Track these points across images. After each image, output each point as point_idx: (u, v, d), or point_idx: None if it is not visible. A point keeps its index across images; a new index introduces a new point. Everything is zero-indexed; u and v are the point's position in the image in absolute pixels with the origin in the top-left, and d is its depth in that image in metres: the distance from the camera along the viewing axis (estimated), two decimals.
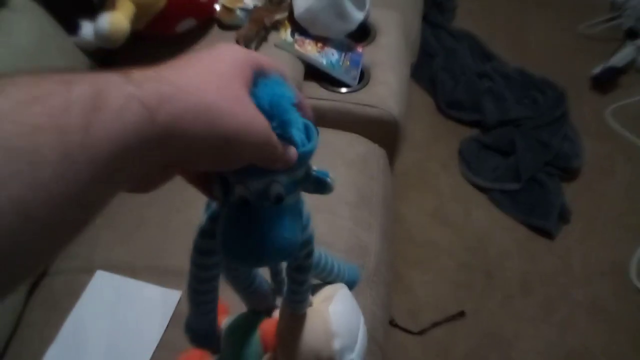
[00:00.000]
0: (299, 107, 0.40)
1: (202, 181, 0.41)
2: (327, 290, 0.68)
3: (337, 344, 0.62)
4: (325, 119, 1.19)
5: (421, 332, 1.50)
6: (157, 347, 0.85)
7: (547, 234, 1.71)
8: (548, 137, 1.83)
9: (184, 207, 0.99)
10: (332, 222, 1.01)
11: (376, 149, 1.19)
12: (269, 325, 0.73)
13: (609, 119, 2.05)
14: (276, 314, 0.74)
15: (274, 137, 0.36)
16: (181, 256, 0.54)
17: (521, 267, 1.65)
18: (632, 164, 1.93)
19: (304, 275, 0.56)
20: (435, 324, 1.51)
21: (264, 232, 0.42)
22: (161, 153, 0.29)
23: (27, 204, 0.23)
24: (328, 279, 0.70)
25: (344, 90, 1.23)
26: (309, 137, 0.42)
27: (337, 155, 1.13)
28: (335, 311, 0.64)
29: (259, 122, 0.35)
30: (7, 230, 0.22)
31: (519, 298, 1.58)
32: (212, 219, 0.47)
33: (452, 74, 2.05)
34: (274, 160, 0.38)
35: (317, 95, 1.22)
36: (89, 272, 0.93)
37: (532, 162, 1.79)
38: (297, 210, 0.45)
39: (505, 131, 1.87)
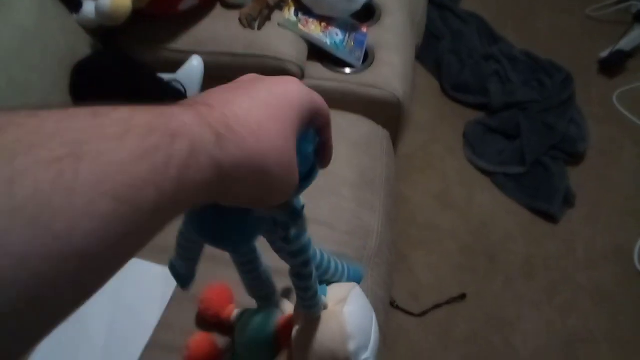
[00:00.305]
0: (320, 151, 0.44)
1: None
2: (340, 291, 0.68)
3: (352, 346, 0.63)
4: (329, 99, 1.17)
5: (422, 314, 1.50)
6: (157, 325, 0.85)
7: (551, 218, 1.70)
8: (554, 120, 1.81)
9: None
10: (335, 203, 1.01)
11: (380, 131, 1.18)
12: (284, 322, 0.73)
13: (616, 102, 2.03)
14: (290, 309, 0.74)
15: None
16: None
17: (524, 250, 1.65)
18: (638, 148, 1.91)
19: (304, 282, 0.57)
20: (436, 306, 1.52)
21: (223, 223, 0.46)
22: (213, 197, 0.31)
23: (117, 242, 0.24)
24: (332, 280, 0.70)
25: (348, 70, 1.22)
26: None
27: (340, 136, 1.12)
28: (350, 313, 0.65)
29: (295, 178, 0.36)
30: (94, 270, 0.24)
31: (522, 281, 1.58)
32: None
33: (459, 56, 2.03)
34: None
35: (320, 75, 1.21)
36: None
37: (538, 146, 1.77)
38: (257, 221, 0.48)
39: (511, 114, 1.85)
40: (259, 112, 0.34)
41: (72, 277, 0.23)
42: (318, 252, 0.63)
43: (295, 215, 0.47)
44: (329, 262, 0.67)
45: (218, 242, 0.48)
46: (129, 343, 0.83)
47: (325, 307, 0.66)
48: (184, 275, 0.62)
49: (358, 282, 0.73)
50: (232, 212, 0.45)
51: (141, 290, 0.89)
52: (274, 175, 0.33)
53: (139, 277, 0.91)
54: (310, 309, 0.63)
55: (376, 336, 0.68)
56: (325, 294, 0.67)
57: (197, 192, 0.29)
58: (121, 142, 0.24)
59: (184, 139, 0.27)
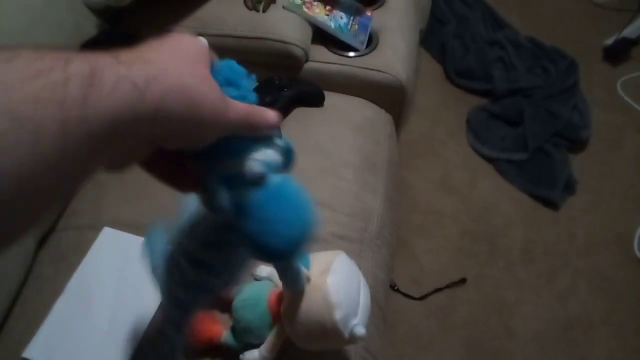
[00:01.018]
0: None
1: (174, 177, 0.44)
2: (324, 260, 0.68)
3: (338, 315, 0.64)
4: (332, 83, 1.19)
5: (422, 298, 1.52)
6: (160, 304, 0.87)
7: (552, 205, 1.71)
8: (557, 107, 1.81)
9: None
10: (337, 185, 1.02)
11: (383, 114, 1.19)
12: (275, 295, 0.75)
13: (620, 90, 2.02)
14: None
15: (236, 105, 0.39)
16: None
17: (525, 236, 1.66)
18: None
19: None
20: (437, 290, 1.53)
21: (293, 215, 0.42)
22: (148, 129, 0.32)
23: (26, 172, 0.24)
24: None
25: (351, 54, 1.22)
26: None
27: (344, 119, 1.13)
28: (333, 283, 0.65)
29: (220, 98, 0.37)
30: (4, 195, 0.24)
31: (521, 266, 1.59)
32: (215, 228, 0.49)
33: (463, 41, 2.03)
34: (254, 124, 0.40)
35: (324, 59, 1.22)
36: (96, 229, 0.95)
37: (540, 133, 1.78)
38: (286, 192, 0.43)
39: (515, 101, 1.85)
40: (170, 53, 0.35)
41: None
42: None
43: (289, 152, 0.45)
44: None
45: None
46: (133, 320, 0.85)
47: (309, 280, 0.66)
48: None
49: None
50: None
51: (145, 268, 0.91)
52: (203, 105, 0.34)
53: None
54: (292, 287, 0.64)
55: (365, 300, 0.69)
56: (308, 266, 0.67)
57: (115, 115, 0.29)
58: (9, 65, 0.25)
59: (81, 61, 0.28)
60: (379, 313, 0.96)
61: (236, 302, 0.78)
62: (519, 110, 1.82)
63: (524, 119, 1.79)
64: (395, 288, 1.51)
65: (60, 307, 0.86)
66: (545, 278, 1.58)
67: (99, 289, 0.88)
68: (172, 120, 0.33)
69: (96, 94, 0.27)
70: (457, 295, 1.53)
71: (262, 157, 0.41)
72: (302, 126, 1.09)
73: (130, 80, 0.30)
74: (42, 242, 0.96)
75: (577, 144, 1.84)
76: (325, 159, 1.05)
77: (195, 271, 0.50)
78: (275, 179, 0.42)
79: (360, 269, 0.93)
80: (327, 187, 1.01)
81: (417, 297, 1.51)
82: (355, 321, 0.66)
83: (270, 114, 0.41)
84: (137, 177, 1.00)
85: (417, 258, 1.60)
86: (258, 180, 0.41)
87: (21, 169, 0.24)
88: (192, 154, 0.41)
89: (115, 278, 0.89)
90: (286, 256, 0.43)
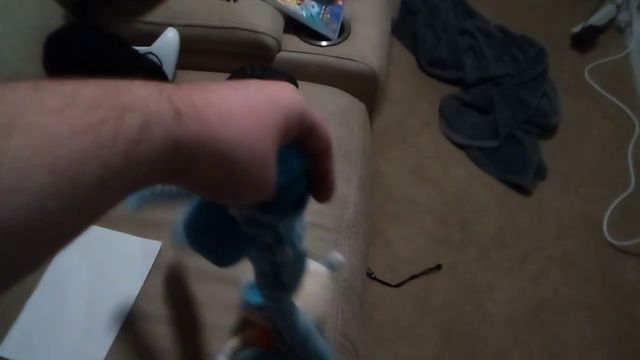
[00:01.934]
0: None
1: None
2: None
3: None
4: (305, 72, 1.19)
5: (399, 285, 1.54)
6: (138, 295, 0.86)
7: (524, 190, 1.74)
8: (527, 94, 1.84)
9: None
10: None
11: (356, 103, 1.20)
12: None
13: (588, 77, 2.07)
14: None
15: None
16: (161, 209, 0.54)
17: (497, 222, 1.69)
18: (608, 121, 1.96)
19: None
20: (413, 277, 1.55)
21: (219, 236, 0.44)
22: (173, 177, 0.30)
23: (56, 217, 0.24)
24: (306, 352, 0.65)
25: (324, 43, 1.22)
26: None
27: (317, 107, 1.11)
28: None
29: (269, 177, 0.34)
30: (30, 234, 0.23)
31: (495, 251, 1.62)
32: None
33: (434, 31, 2.04)
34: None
35: (296, 48, 1.21)
36: None
37: (511, 120, 1.81)
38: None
39: (485, 89, 1.88)
40: (235, 101, 0.32)
41: (3, 252, 0.22)
42: (306, 321, 0.60)
43: (279, 239, 0.46)
44: (313, 336, 0.62)
45: (206, 249, 0.46)
46: (110, 313, 0.84)
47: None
48: None
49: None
50: (227, 223, 0.43)
51: (121, 262, 0.90)
52: (241, 165, 0.31)
53: (119, 249, 0.91)
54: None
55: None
56: None
57: (151, 169, 0.28)
58: (61, 116, 0.24)
59: (136, 112, 0.26)
60: (357, 300, 0.97)
61: None
62: (489, 98, 1.84)
63: (495, 107, 1.82)
64: (372, 276, 1.53)
65: (34, 303, 0.85)
66: (517, 262, 1.61)
67: (73, 284, 0.87)
68: (198, 183, 0.32)
69: (140, 151, 0.27)
70: (433, 282, 1.55)
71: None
72: None
73: (177, 142, 0.28)
74: None
75: (547, 131, 1.87)
76: None
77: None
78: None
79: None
80: None
81: (394, 284, 1.53)
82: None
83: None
84: None
85: (393, 246, 1.62)
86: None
87: (52, 214, 0.24)
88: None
89: (89, 273, 0.88)
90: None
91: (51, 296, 0.86)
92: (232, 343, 0.77)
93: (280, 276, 0.51)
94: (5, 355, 0.80)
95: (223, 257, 0.46)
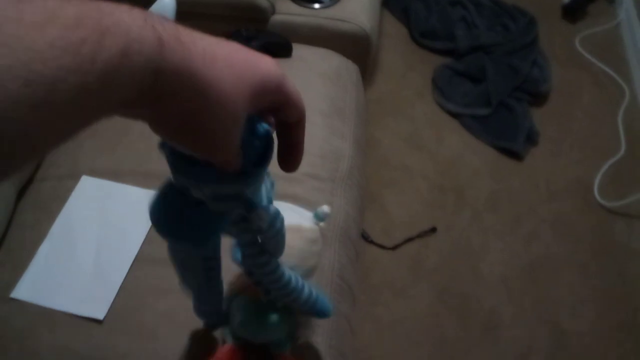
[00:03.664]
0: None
1: None
2: None
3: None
4: (299, 34, 1.23)
5: (395, 247, 1.58)
6: (144, 241, 0.90)
7: (516, 156, 1.78)
8: (518, 62, 1.88)
9: None
10: (307, 130, 1.05)
11: (349, 64, 1.23)
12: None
13: (578, 46, 2.10)
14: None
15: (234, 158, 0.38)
16: (164, 162, 0.57)
17: (490, 186, 1.73)
18: (599, 89, 1.99)
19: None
20: (408, 240, 1.60)
21: (189, 220, 0.45)
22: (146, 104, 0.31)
23: (29, 129, 0.24)
24: (301, 306, 0.67)
25: (317, 6, 1.26)
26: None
27: (311, 69, 1.17)
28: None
29: (236, 134, 0.35)
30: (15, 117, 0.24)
31: (488, 215, 1.67)
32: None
33: (426, 3, 2.07)
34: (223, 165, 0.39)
35: (290, 11, 1.25)
36: (74, 178, 0.98)
37: (502, 87, 1.85)
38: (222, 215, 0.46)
39: (477, 58, 1.91)
40: (219, 50, 0.33)
41: None
42: (292, 276, 0.61)
43: (250, 207, 0.46)
44: (302, 289, 0.64)
45: (179, 236, 0.46)
46: (117, 257, 0.88)
47: None
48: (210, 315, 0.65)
49: (326, 316, 0.70)
50: (193, 205, 0.43)
51: (126, 211, 0.94)
52: (213, 109, 0.32)
53: (124, 199, 0.95)
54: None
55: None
56: None
57: (128, 95, 0.28)
58: (40, 31, 0.24)
59: (118, 37, 0.27)
60: (352, 247, 1.01)
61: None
62: (481, 66, 1.88)
63: (486, 75, 1.86)
64: (369, 239, 1.57)
65: (45, 250, 0.89)
66: (510, 225, 1.65)
67: (81, 233, 0.91)
68: (174, 108, 0.32)
69: (120, 75, 0.27)
70: (428, 244, 1.60)
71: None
72: None
73: (157, 67, 0.29)
74: (21, 193, 0.99)
75: (538, 98, 1.91)
76: None
77: None
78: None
79: (332, 206, 0.98)
80: None
81: (390, 247, 1.58)
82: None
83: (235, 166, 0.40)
84: (114, 128, 1.04)
85: (389, 211, 1.66)
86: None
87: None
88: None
89: (97, 222, 0.93)
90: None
91: (61, 243, 0.90)
92: (226, 289, 0.79)
93: (262, 244, 0.52)
94: (19, 297, 0.85)
95: (197, 240, 0.46)
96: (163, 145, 0.41)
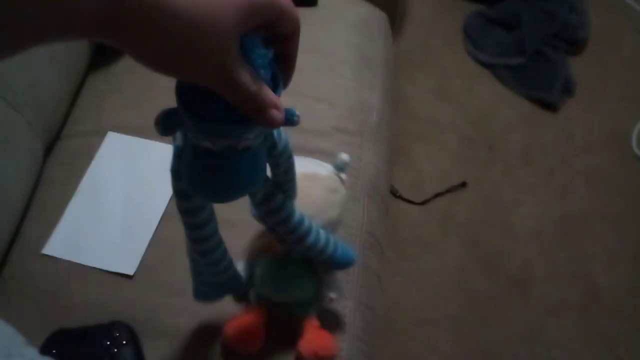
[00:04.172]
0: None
1: None
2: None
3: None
4: None
5: (424, 202, 1.56)
6: (171, 197, 0.90)
7: (551, 107, 1.72)
8: (554, 8, 1.78)
9: None
10: (335, 81, 1.03)
11: (377, 12, 1.18)
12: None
13: None
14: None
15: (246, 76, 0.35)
16: None
17: (523, 139, 1.68)
18: (639, 36, 1.89)
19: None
20: (438, 194, 1.57)
21: (229, 175, 0.44)
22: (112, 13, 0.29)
23: None
24: (320, 254, 0.65)
25: None
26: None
27: (338, 17, 1.12)
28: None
29: (226, 50, 0.33)
30: None
31: (520, 168, 1.62)
32: (178, 156, 0.49)
33: None
34: (256, 108, 0.37)
35: None
36: (100, 134, 0.97)
37: (538, 35, 1.76)
38: (260, 152, 0.46)
39: (510, 3, 1.82)
40: None
41: None
42: (307, 222, 0.60)
43: (270, 136, 0.46)
44: (321, 238, 0.63)
45: (242, 189, 0.47)
46: (146, 213, 0.88)
47: None
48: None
49: (348, 265, 0.69)
50: (235, 159, 0.43)
51: (153, 167, 0.93)
52: (190, 35, 0.31)
53: (151, 154, 0.94)
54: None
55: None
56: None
57: (83, 20, 0.28)
58: None
59: None
60: (381, 203, 0.99)
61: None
62: (515, 13, 1.79)
63: (521, 22, 1.77)
64: (397, 194, 1.55)
65: (74, 207, 0.89)
66: (543, 178, 1.61)
67: (109, 189, 0.91)
68: (140, 30, 0.30)
69: None
70: (458, 199, 1.57)
71: (253, 134, 0.42)
72: None
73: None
74: (48, 150, 0.98)
75: (575, 46, 1.82)
76: (322, 58, 1.05)
77: None
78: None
79: (360, 160, 0.96)
80: (325, 83, 1.02)
81: (419, 202, 1.55)
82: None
83: (276, 116, 0.38)
84: (139, 83, 1.02)
85: (417, 165, 1.63)
86: (243, 151, 0.43)
87: None
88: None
89: (124, 179, 0.92)
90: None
91: (89, 200, 0.90)
92: (250, 249, 0.78)
93: (273, 172, 0.52)
94: (50, 253, 0.85)
95: (251, 184, 0.47)
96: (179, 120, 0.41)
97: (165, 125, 0.43)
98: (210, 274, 0.64)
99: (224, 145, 0.42)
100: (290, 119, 0.41)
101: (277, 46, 0.38)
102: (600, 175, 1.61)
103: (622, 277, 1.45)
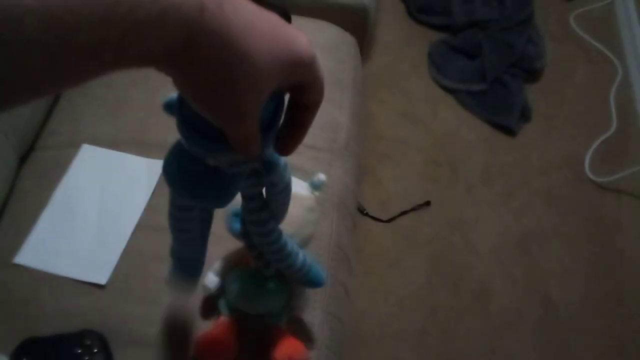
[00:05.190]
0: None
1: None
2: None
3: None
4: (297, 6, 1.22)
5: (390, 220, 1.61)
6: (145, 209, 0.92)
7: (509, 131, 1.80)
8: (513, 38, 1.89)
9: (168, 87, 1.03)
10: None
11: (347, 36, 1.24)
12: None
13: (573, 24, 2.11)
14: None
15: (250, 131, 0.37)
16: (164, 131, 0.57)
17: (484, 161, 1.75)
18: (592, 66, 2.01)
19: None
20: (403, 213, 1.62)
21: (209, 183, 0.46)
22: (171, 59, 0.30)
23: (36, 68, 0.25)
24: (295, 273, 0.67)
25: None
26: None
27: (309, 39, 1.17)
28: None
29: (260, 90, 0.35)
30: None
31: (481, 188, 1.69)
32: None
33: None
34: (242, 147, 0.39)
35: None
36: (75, 146, 0.98)
37: (498, 63, 1.86)
38: (232, 179, 0.48)
39: (473, 33, 1.92)
40: (260, 24, 0.33)
41: None
42: (288, 242, 0.62)
43: (269, 165, 0.47)
44: (297, 256, 0.64)
45: (199, 197, 0.48)
46: (119, 224, 0.90)
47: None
48: (188, 263, 0.64)
49: (318, 285, 0.70)
50: (211, 168, 0.45)
51: (128, 180, 0.95)
52: (243, 81, 0.32)
53: (125, 168, 0.96)
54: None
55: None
56: None
57: (154, 51, 0.29)
58: None
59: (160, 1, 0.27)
60: (349, 217, 1.03)
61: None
62: (477, 42, 1.89)
63: (482, 51, 1.87)
64: (364, 212, 1.59)
65: (47, 217, 0.90)
66: (502, 198, 1.68)
67: (83, 200, 0.92)
68: (202, 61, 0.31)
69: (148, 30, 0.28)
70: (422, 217, 1.63)
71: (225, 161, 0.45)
72: None
73: (190, 31, 0.29)
74: (22, 161, 0.99)
75: (533, 75, 1.92)
76: None
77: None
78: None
79: (329, 176, 1.00)
80: None
81: (385, 219, 1.60)
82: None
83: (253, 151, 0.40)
84: (114, 97, 1.04)
85: (384, 184, 1.68)
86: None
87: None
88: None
89: (98, 190, 0.94)
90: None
91: (63, 211, 0.91)
92: (222, 262, 0.80)
93: (269, 199, 0.53)
94: (22, 262, 0.86)
95: (218, 200, 0.48)
96: (174, 112, 0.42)
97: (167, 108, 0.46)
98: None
99: (197, 153, 0.43)
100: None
101: (295, 113, 0.40)
102: (556, 197, 1.69)
103: (576, 292, 1.52)
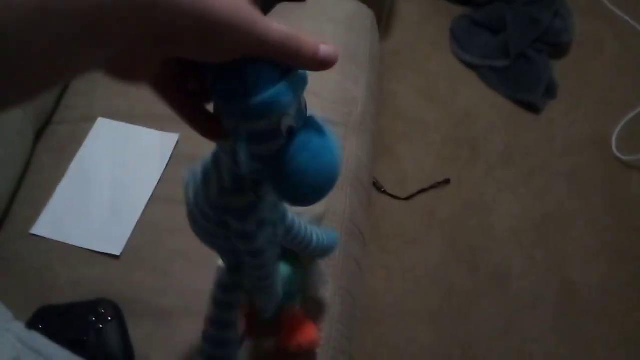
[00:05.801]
0: None
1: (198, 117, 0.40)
2: None
3: None
4: None
5: (408, 198, 1.59)
6: (159, 181, 0.92)
7: (533, 109, 1.76)
8: (539, 12, 1.83)
9: None
10: (320, 73, 1.05)
11: (364, 9, 1.22)
12: None
13: None
14: None
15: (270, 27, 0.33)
16: None
17: (505, 140, 1.71)
18: (620, 41, 1.94)
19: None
20: (422, 191, 1.60)
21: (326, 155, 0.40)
22: (150, 19, 0.29)
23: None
24: (306, 250, 0.66)
25: None
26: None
27: (325, 13, 1.15)
28: None
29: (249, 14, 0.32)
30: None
31: (501, 168, 1.66)
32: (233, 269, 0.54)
33: None
34: (293, 51, 0.35)
35: None
36: (91, 120, 0.99)
37: (522, 38, 1.80)
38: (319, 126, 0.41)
39: (496, 7, 1.87)
40: None
41: None
42: (296, 220, 0.60)
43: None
44: (308, 234, 0.63)
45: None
46: (133, 196, 0.90)
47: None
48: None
49: (333, 248, 0.71)
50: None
51: (141, 153, 0.96)
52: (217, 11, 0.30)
53: (139, 141, 0.97)
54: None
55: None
56: None
57: (129, 25, 0.28)
58: None
59: None
60: (363, 192, 1.02)
61: None
62: (501, 16, 1.84)
63: (506, 26, 1.82)
64: (382, 190, 1.58)
65: (63, 189, 0.91)
66: (523, 179, 1.65)
67: (98, 173, 0.93)
68: (177, 12, 0.29)
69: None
70: (441, 196, 1.60)
71: (294, 110, 0.38)
72: (285, 21, 1.10)
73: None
74: (39, 135, 1.00)
75: (559, 49, 1.87)
76: None
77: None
78: (302, 127, 0.39)
79: (344, 151, 0.98)
80: (311, 75, 1.04)
81: (403, 197, 1.59)
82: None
83: (317, 45, 0.36)
84: None
85: (403, 163, 1.66)
86: (287, 132, 0.38)
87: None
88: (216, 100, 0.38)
89: (112, 163, 0.94)
90: (316, 200, 0.41)
91: (78, 183, 0.92)
92: None
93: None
94: (38, 233, 0.87)
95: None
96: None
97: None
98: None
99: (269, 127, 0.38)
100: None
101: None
102: (580, 177, 1.65)
103: (598, 276, 1.48)
